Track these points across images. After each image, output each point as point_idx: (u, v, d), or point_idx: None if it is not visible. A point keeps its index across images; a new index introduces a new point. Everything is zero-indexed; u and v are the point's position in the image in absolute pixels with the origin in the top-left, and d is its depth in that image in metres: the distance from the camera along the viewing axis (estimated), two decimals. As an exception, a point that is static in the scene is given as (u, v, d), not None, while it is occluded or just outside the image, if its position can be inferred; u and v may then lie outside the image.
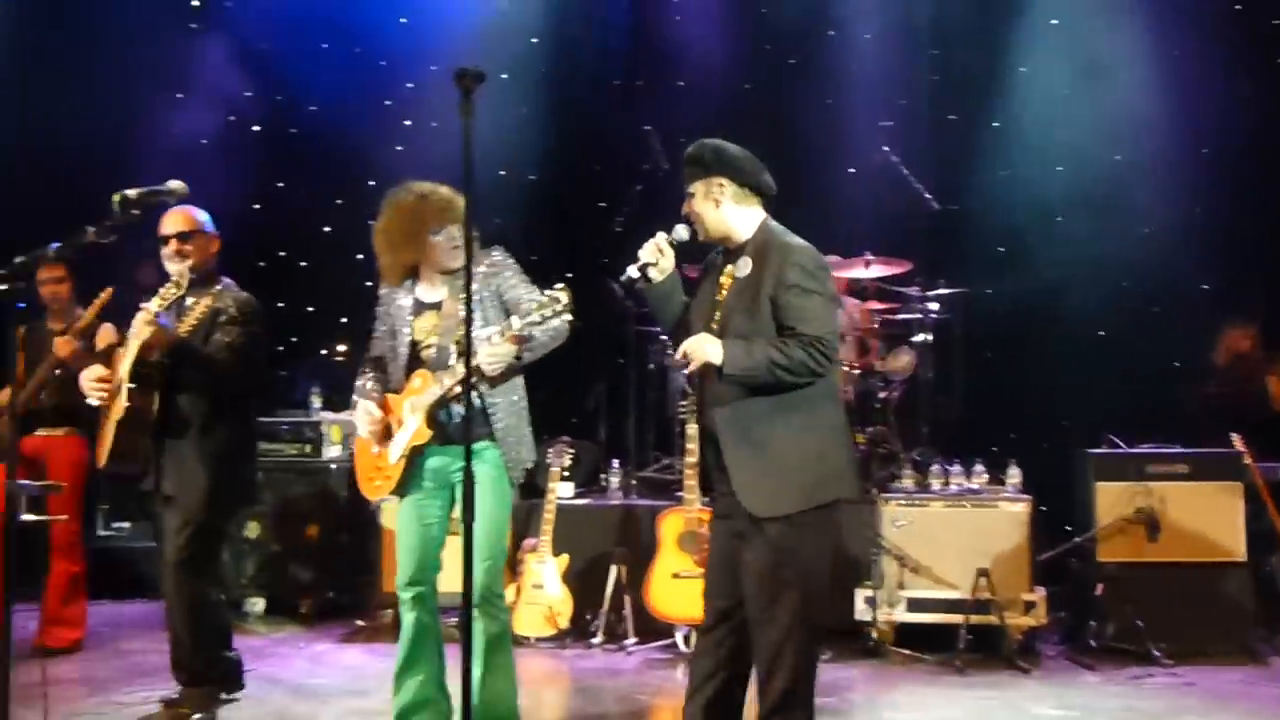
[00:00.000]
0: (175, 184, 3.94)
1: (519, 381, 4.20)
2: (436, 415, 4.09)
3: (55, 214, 4.27)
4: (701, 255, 3.81)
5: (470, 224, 3.20)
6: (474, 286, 3.50)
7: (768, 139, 7.43)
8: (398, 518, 4.22)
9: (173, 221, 4.66)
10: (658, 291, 3.69)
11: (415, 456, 4.14)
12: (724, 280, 3.61)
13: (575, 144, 8.26)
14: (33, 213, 6.17)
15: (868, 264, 6.91)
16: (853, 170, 7.82)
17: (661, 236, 3.65)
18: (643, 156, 7.38)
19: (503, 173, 7.91)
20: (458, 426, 4.06)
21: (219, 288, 4.73)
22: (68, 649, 5.80)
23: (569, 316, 3.86)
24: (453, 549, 3.88)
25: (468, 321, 3.26)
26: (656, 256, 3.64)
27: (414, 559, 4.12)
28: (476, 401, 4.00)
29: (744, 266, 3.56)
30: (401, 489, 4.17)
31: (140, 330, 4.35)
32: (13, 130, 7.62)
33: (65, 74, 7.89)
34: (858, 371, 6.94)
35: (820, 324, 3.45)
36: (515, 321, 3.89)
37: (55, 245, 3.83)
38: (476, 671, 3.93)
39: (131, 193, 3.78)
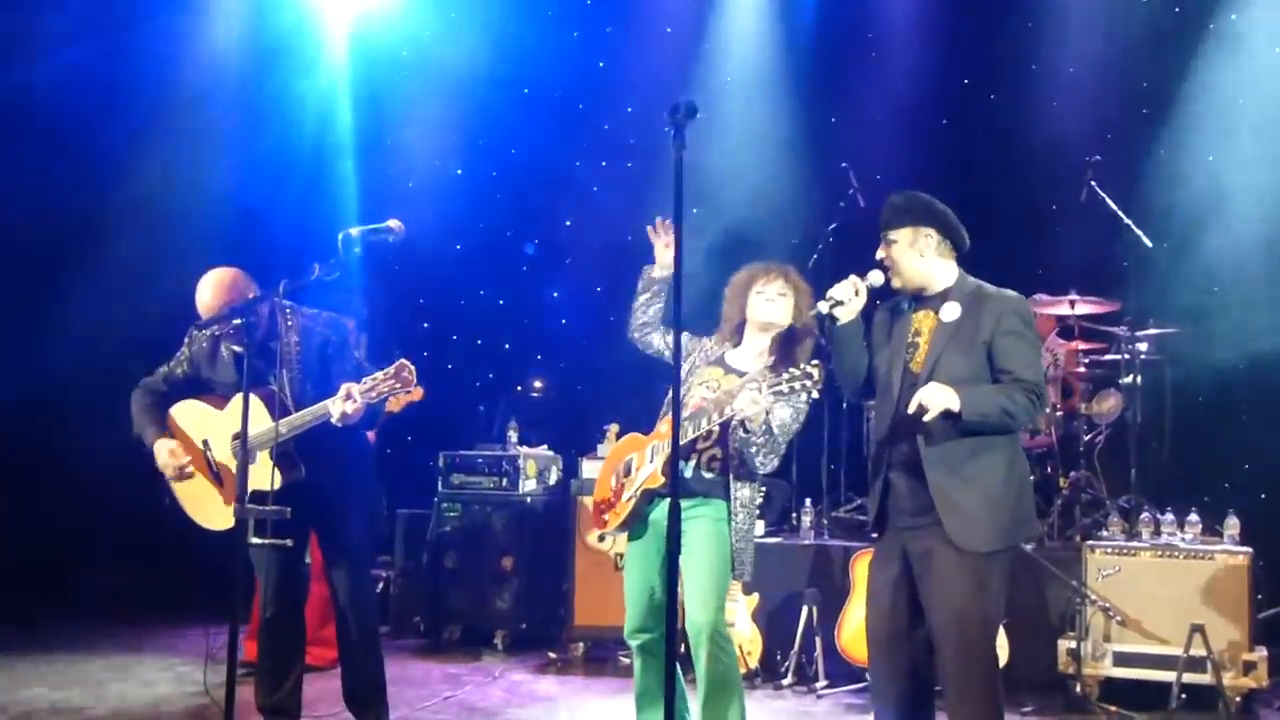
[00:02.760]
0: (394, 223, 4.15)
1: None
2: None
3: (283, 252, 4.52)
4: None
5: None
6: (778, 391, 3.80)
7: (967, 173, 7.47)
8: (625, 566, 4.30)
9: (215, 303, 4.34)
10: (843, 333, 3.84)
11: (646, 502, 4.20)
12: (920, 324, 3.79)
13: (769, 181, 8.30)
14: (261, 252, 6.57)
15: (1073, 303, 6.76)
16: (1056, 206, 7.63)
17: (856, 279, 3.78)
18: (839, 194, 7.36)
19: (695, 210, 8.04)
20: (694, 479, 4.15)
21: (289, 310, 4.50)
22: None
23: (815, 395, 3.96)
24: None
25: (675, 374, 3.26)
26: (849, 296, 3.77)
27: (637, 609, 4.21)
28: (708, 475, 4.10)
29: (951, 311, 3.75)
30: (626, 530, 4.25)
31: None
32: (238, 180, 8.15)
33: (286, 123, 8.39)
34: (1061, 414, 6.77)
35: (1037, 370, 3.70)
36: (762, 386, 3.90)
37: (284, 280, 4.11)
38: (697, 710, 4.04)
39: (354, 231, 4.03)
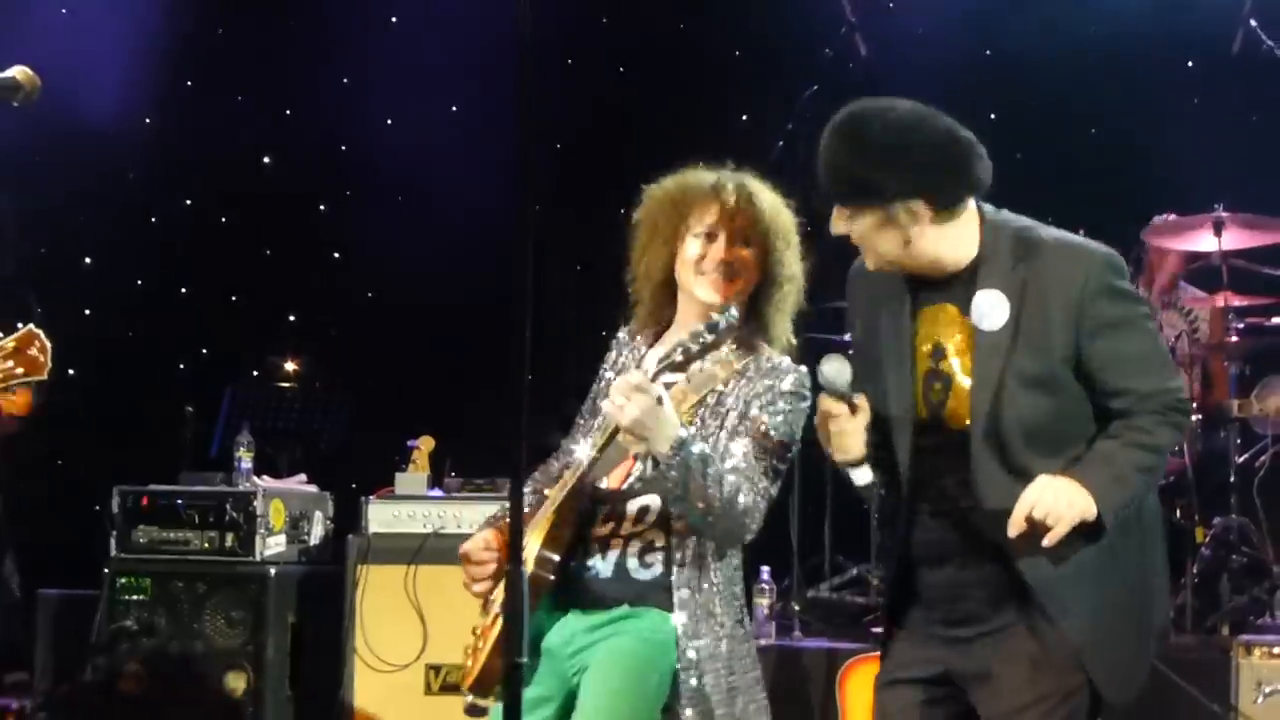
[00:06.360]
0: (19, 72, 3.92)
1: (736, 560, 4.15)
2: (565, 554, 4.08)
3: None
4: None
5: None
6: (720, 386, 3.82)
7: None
8: None
9: None
10: (866, 492, 3.75)
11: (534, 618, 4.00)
12: (938, 330, 3.73)
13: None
14: None
15: (1219, 227, 6.81)
16: (1191, 63, 7.83)
17: (823, 396, 3.66)
18: (822, 33, 7.51)
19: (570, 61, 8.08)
20: (614, 578, 4.08)
21: None
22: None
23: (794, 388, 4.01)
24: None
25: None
26: (839, 427, 3.65)
27: None
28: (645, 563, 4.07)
29: (992, 311, 3.62)
30: (491, 690, 4.14)
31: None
32: None
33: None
34: (1198, 419, 6.91)
35: (1165, 369, 3.73)
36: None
37: None
38: None
39: None
